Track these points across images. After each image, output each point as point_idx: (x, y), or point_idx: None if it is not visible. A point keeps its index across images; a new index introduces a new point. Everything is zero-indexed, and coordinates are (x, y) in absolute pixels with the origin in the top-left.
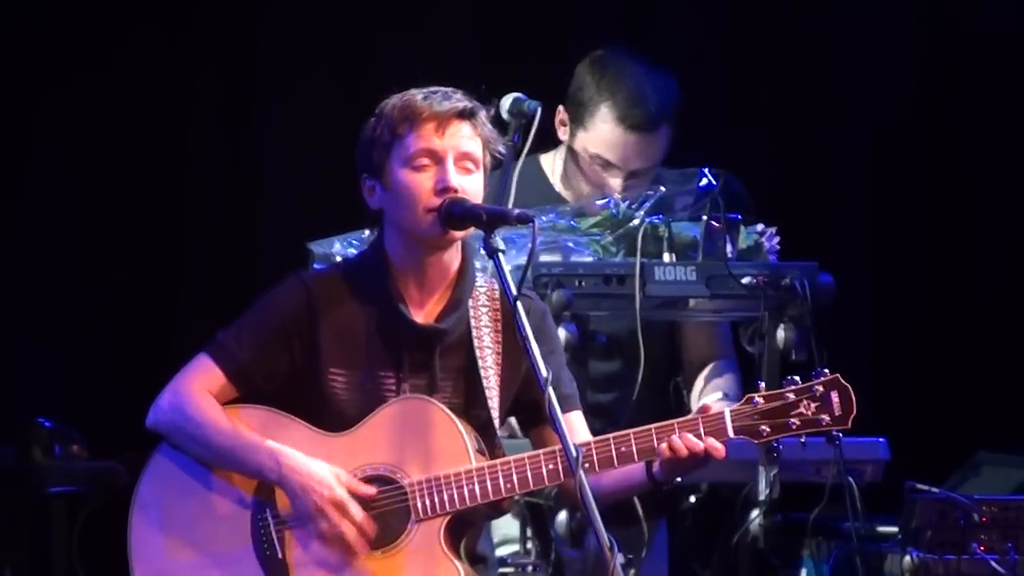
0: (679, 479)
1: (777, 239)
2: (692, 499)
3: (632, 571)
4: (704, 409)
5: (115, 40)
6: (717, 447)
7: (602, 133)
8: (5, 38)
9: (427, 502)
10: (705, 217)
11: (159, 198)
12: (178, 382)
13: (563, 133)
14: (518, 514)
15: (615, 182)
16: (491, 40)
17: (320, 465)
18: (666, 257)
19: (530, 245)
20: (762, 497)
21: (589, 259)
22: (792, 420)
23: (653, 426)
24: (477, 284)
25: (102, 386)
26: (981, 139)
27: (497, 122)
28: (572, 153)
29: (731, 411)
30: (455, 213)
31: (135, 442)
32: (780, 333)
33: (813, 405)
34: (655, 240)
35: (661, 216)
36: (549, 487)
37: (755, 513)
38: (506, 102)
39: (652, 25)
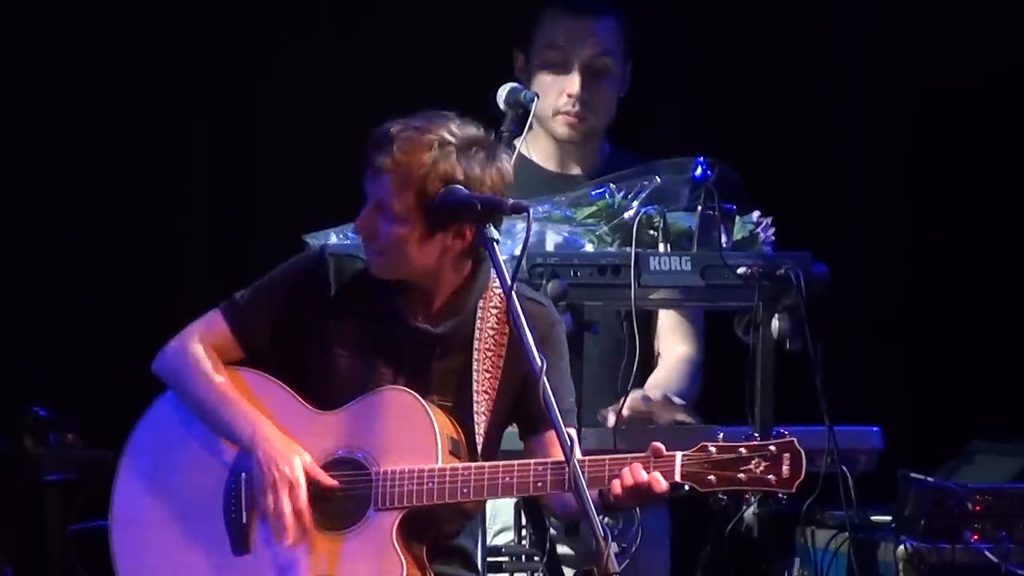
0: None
1: (772, 229)
2: (686, 487)
3: (626, 561)
4: (656, 451)
5: (112, 36)
6: (659, 480)
7: (551, 30)
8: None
9: (387, 493)
10: (700, 207)
11: (156, 190)
12: (187, 333)
13: (524, 79)
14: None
15: (572, 80)
16: (488, 34)
17: (292, 445)
18: (661, 247)
19: (525, 235)
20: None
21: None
22: (740, 475)
23: (608, 458)
24: (492, 284)
25: (97, 375)
26: (975, 129)
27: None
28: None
29: (683, 456)
30: (450, 203)
31: (130, 431)
32: (775, 323)
33: (763, 464)
34: (650, 230)
35: (656, 206)
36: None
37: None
38: (502, 92)
39: (648, 19)
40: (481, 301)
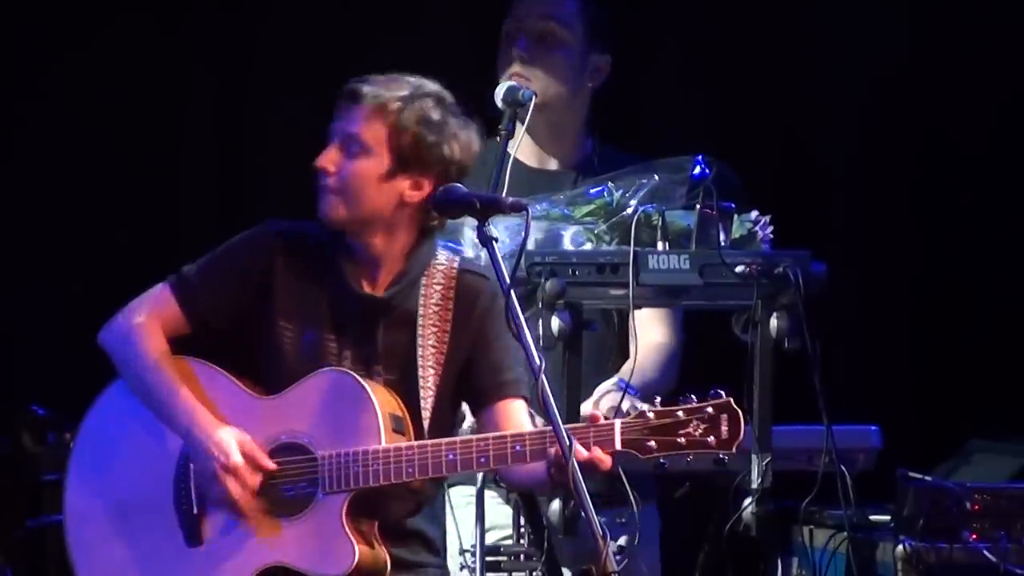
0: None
1: (770, 228)
2: (687, 485)
3: (625, 559)
4: (593, 418)
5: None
6: (603, 459)
7: (507, 14)
8: None
9: (333, 476)
10: (699, 206)
11: (152, 188)
12: (134, 307)
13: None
14: (510, 501)
15: (519, 46)
16: (487, 32)
17: (226, 431)
18: (660, 246)
19: (523, 233)
20: (754, 485)
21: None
22: (680, 439)
23: (548, 430)
24: (436, 261)
25: (95, 374)
26: (976, 128)
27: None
28: None
29: (622, 423)
30: (450, 200)
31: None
32: (773, 322)
33: (702, 426)
34: (649, 229)
35: (655, 205)
36: (459, 475)
37: (748, 501)
38: (500, 90)
39: (645, 17)
40: (424, 278)
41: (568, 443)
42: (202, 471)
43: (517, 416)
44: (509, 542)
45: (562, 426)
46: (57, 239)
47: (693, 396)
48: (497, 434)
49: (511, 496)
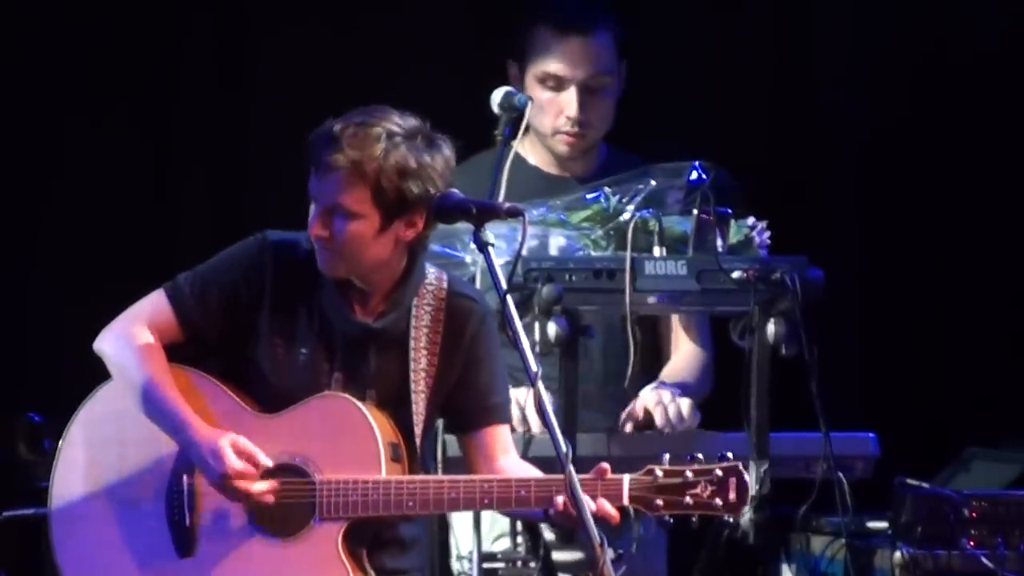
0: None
1: (767, 234)
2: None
3: (623, 567)
4: (601, 471)
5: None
6: (611, 513)
7: (544, 49)
8: None
9: (331, 503)
10: (695, 211)
11: (152, 194)
12: (131, 314)
13: (520, 89)
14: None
15: (570, 101)
16: (485, 29)
17: (221, 437)
18: (656, 251)
19: (520, 239)
20: (752, 492)
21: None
22: (687, 499)
23: (554, 478)
24: (427, 282)
25: (92, 380)
26: (974, 131)
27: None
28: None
29: (630, 479)
30: (446, 206)
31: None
32: (770, 327)
33: (709, 488)
34: (645, 234)
35: (651, 210)
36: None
37: (745, 508)
38: (497, 96)
39: (645, 19)
40: (416, 299)
41: (565, 450)
42: (208, 479)
43: (502, 441)
44: (507, 548)
45: (558, 432)
46: (54, 242)
47: (700, 455)
48: (502, 478)
49: None
